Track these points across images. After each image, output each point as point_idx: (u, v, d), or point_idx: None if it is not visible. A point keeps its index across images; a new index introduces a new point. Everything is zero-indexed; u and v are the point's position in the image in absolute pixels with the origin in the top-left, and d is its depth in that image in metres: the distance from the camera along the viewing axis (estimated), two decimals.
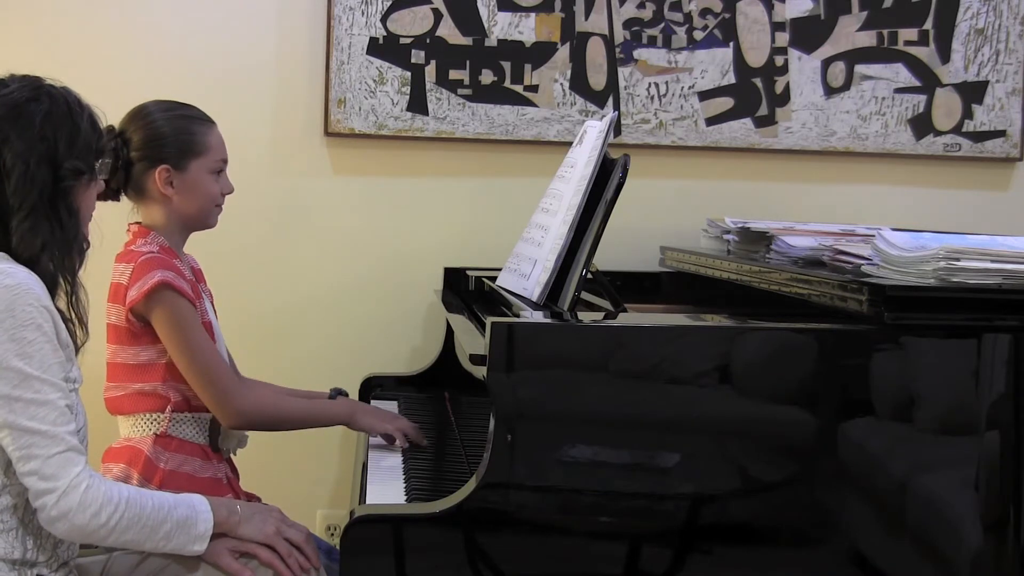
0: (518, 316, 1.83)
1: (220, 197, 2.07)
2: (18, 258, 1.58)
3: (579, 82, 2.83)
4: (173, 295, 1.91)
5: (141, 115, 2.03)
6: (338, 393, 2.25)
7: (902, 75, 2.93)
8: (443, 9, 2.77)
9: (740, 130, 2.89)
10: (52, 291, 1.60)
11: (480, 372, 1.68)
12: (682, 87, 2.87)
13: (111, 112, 1.95)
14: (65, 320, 1.61)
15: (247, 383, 2.22)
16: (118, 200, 2.05)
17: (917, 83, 2.94)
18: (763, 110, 2.89)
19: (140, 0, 2.75)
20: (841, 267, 1.96)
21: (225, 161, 2.07)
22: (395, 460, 2.02)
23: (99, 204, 1.99)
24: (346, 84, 2.75)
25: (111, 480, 1.60)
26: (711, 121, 2.88)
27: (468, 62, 2.79)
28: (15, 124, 1.58)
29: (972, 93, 2.95)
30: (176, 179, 2.01)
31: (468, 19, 2.78)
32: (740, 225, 2.45)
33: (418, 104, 2.78)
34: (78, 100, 1.67)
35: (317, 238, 2.82)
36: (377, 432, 2.08)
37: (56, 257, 1.60)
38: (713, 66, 2.87)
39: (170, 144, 2.00)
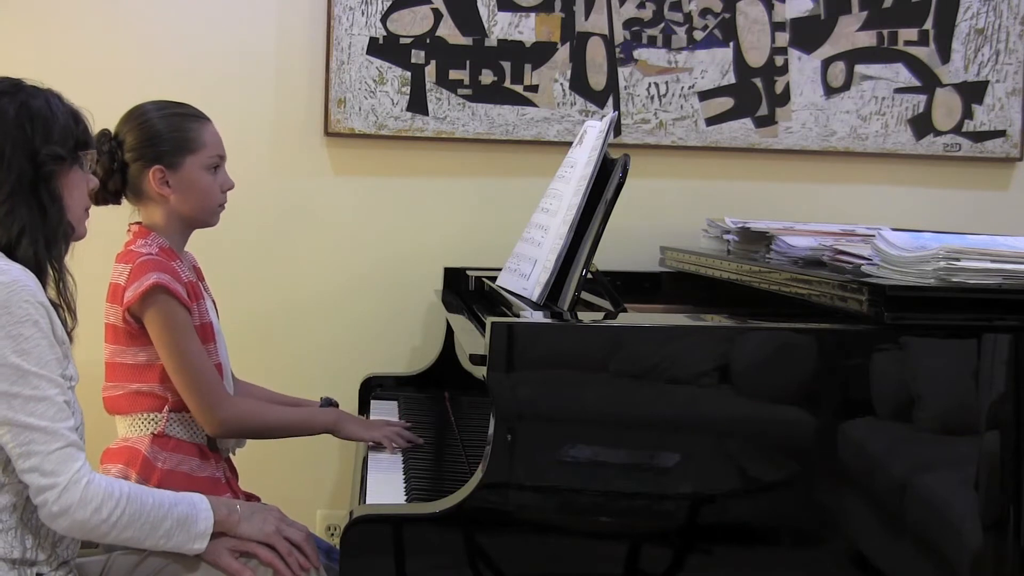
0: (518, 316, 1.83)
1: (220, 195, 2.07)
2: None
3: (579, 82, 2.83)
4: (167, 298, 1.91)
5: (134, 116, 2.03)
6: (328, 403, 2.25)
7: (902, 75, 2.93)
8: (443, 9, 2.77)
9: (740, 130, 2.90)
10: (41, 279, 1.60)
11: (480, 372, 1.68)
12: (682, 87, 2.87)
13: (109, 112, 1.96)
14: (57, 310, 1.61)
15: (238, 387, 2.22)
16: (119, 203, 2.05)
17: (917, 83, 2.94)
18: (763, 110, 2.89)
19: (140, 0, 2.75)
20: (841, 267, 1.96)
21: (222, 157, 2.07)
22: (395, 460, 2.02)
23: (99, 206, 2.00)
24: (346, 84, 2.75)
25: (112, 476, 1.60)
26: (711, 121, 2.88)
27: (468, 62, 2.79)
28: None
29: (972, 93, 2.95)
30: (171, 178, 2.00)
31: (468, 19, 2.79)
32: (740, 225, 2.45)
33: (418, 104, 2.79)
34: (59, 97, 1.67)
35: (317, 238, 2.82)
36: (363, 439, 2.09)
37: (39, 243, 1.60)
38: (713, 66, 2.87)
39: (163, 142, 2.00)
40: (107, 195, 2.01)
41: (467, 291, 2.59)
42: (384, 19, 2.76)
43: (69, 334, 1.65)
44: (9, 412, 1.51)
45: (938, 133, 2.96)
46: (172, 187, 2.01)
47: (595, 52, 2.84)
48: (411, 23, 2.77)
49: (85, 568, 1.75)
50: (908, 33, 2.92)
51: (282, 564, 1.70)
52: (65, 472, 1.52)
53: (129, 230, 2.05)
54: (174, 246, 2.04)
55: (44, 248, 1.61)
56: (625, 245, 2.74)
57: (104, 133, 1.99)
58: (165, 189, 2.00)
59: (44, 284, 1.61)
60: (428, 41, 2.78)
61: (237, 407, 1.99)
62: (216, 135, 2.06)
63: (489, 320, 1.67)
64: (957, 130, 2.96)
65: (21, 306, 1.52)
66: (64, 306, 1.65)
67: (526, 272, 2.04)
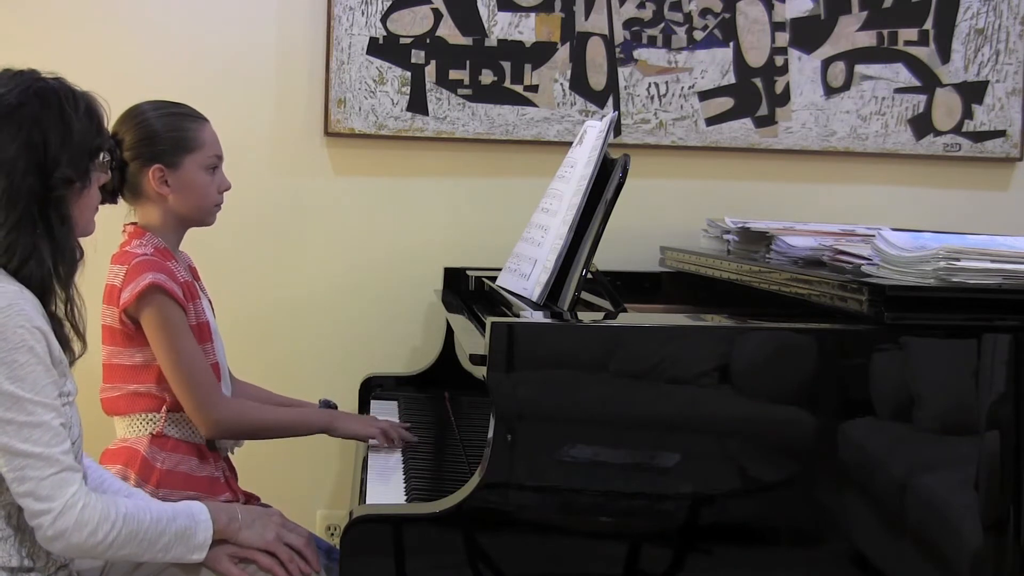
0: (518, 316, 1.83)
1: (218, 195, 2.07)
2: (5, 267, 1.56)
3: (579, 82, 2.83)
4: (163, 298, 1.91)
5: (133, 115, 2.03)
6: (327, 405, 2.25)
7: (902, 75, 2.93)
8: (443, 9, 2.77)
9: (740, 130, 2.89)
10: (45, 299, 1.58)
11: (480, 372, 1.68)
12: (682, 87, 2.87)
13: (110, 113, 1.95)
14: (59, 332, 1.59)
15: (237, 387, 2.22)
16: (115, 202, 2.05)
17: (917, 83, 2.94)
18: (763, 110, 2.89)
19: (140, 1, 2.75)
20: (841, 267, 1.96)
21: (220, 157, 2.07)
22: (395, 460, 2.02)
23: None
24: (346, 84, 2.75)
25: (110, 494, 1.59)
26: (711, 121, 2.88)
27: (468, 62, 2.79)
28: (2, 132, 1.54)
29: (972, 93, 2.95)
30: (170, 177, 2.00)
31: (468, 19, 2.78)
32: (740, 225, 2.45)
33: (418, 104, 2.78)
34: (72, 93, 1.62)
35: (317, 238, 2.82)
36: (359, 436, 2.08)
37: (45, 267, 1.57)
38: (713, 66, 2.87)
39: (162, 142, 2.00)
40: (104, 194, 2.00)
41: (467, 291, 2.59)
42: (384, 19, 2.76)
43: (74, 357, 1.63)
44: (3, 438, 1.50)
45: (938, 133, 2.96)
46: (171, 186, 2.01)
47: (595, 52, 2.83)
48: (411, 23, 2.77)
49: (84, 572, 1.75)
50: (908, 33, 2.92)
51: (282, 571, 1.70)
52: (60, 497, 1.51)
53: (124, 230, 2.05)
54: (170, 246, 2.04)
55: (51, 271, 1.58)
56: (625, 245, 2.74)
57: None
58: (164, 188, 2.00)
59: (47, 304, 1.58)
60: (428, 41, 2.78)
61: (232, 407, 1.99)
62: (214, 135, 2.06)
63: (489, 320, 1.67)
64: (957, 130, 2.96)
65: (16, 332, 1.50)
66: (72, 332, 1.63)
67: (526, 272, 2.04)
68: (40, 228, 1.57)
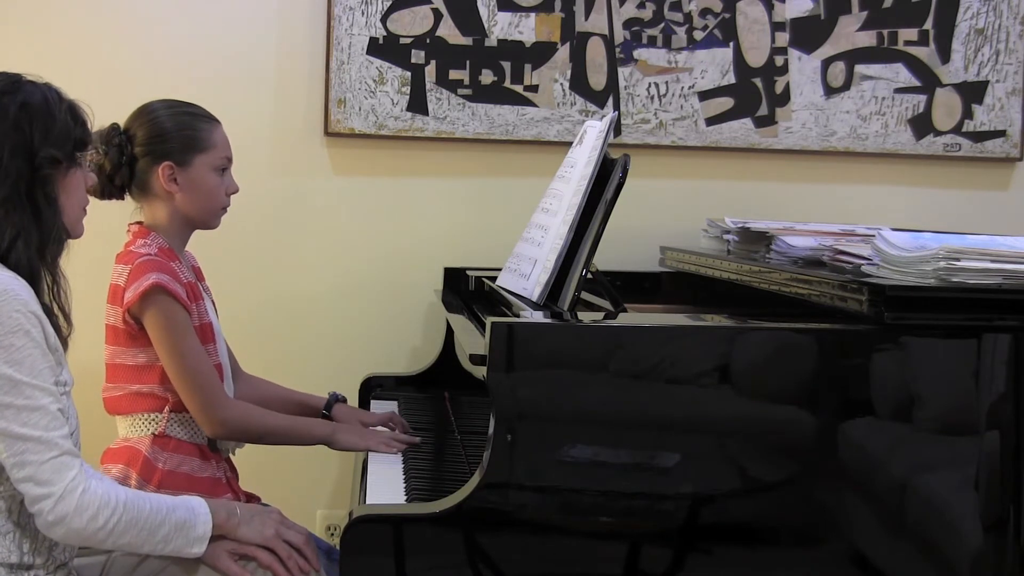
0: (518, 316, 1.83)
1: (225, 197, 2.07)
2: None
3: (579, 82, 2.83)
4: (166, 299, 1.91)
5: (145, 112, 2.03)
6: (335, 399, 2.25)
7: (902, 75, 2.93)
8: (443, 9, 2.77)
9: (740, 130, 2.89)
10: (35, 285, 1.59)
11: (480, 372, 1.68)
12: (682, 87, 2.87)
13: (110, 113, 1.96)
14: (51, 317, 1.60)
15: (251, 382, 2.22)
16: (123, 198, 2.05)
17: (917, 83, 2.94)
18: (763, 110, 2.89)
19: (140, 0, 2.75)
20: (841, 267, 1.96)
21: (230, 160, 2.07)
22: (395, 460, 2.02)
23: (102, 204, 2.00)
24: (346, 84, 2.75)
25: (109, 481, 1.60)
26: (711, 121, 2.88)
27: (468, 62, 2.79)
28: None
29: (972, 93, 2.95)
30: (179, 176, 2.01)
31: (468, 19, 2.79)
32: (740, 225, 2.45)
33: (418, 104, 2.78)
34: (57, 93, 1.65)
35: (317, 238, 2.82)
36: (359, 449, 2.09)
37: (32, 248, 1.58)
38: (713, 66, 2.87)
39: (173, 139, 2.00)
40: (112, 189, 2.02)
41: (467, 291, 2.59)
42: (384, 19, 2.76)
43: (65, 340, 1.64)
44: (2, 422, 1.50)
45: (938, 133, 2.96)
46: (180, 185, 2.01)
47: (595, 52, 2.84)
48: (411, 23, 2.77)
49: (84, 570, 1.75)
50: (908, 33, 2.92)
51: (281, 567, 1.70)
52: (60, 481, 1.51)
53: (129, 230, 2.05)
54: (174, 246, 2.04)
55: (37, 253, 1.59)
56: (625, 245, 2.74)
57: (114, 127, 1.99)
58: (172, 186, 2.01)
59: (38, 290, 1.59)
60: (428, 41, 2.78)
61: (237, 409, 1.99)
62: (225, 137, 2.06)
63: (489, 320, 1.67)
64: (957, 130, 2.96)
65: (12, 316, 1.51)
66: (59, 312, 1.63)
67: (526, 272, 2.04)
68: (28, 208, 1.58)
